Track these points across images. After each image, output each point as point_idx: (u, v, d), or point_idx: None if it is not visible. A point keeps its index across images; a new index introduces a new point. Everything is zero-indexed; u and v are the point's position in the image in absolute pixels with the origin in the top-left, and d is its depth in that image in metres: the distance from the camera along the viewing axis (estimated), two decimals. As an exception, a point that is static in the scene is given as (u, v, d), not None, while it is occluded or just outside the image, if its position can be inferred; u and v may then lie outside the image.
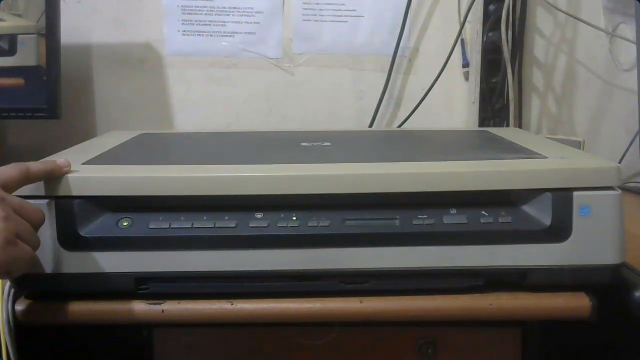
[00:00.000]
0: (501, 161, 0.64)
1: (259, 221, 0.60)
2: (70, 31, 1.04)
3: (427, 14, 1.13)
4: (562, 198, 0.60)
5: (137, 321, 0.61)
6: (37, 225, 0.55)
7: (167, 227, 0.59)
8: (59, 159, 0.60)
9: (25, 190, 0.56)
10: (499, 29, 1.04)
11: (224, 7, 1.10)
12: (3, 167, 0.55)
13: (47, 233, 0.58)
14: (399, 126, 1.13)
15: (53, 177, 0.58)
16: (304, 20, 1.11)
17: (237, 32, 1.11)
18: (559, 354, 0.78)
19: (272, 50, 1.12)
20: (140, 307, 0.60)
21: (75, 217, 0.59)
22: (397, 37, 1.11)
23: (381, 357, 0.73)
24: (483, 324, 0.70)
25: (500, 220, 0.60)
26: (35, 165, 0.57)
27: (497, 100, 1.07)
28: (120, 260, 0.59)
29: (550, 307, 0.61)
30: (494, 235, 0.60)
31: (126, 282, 0.60)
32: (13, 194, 0.54)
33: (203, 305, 0.61)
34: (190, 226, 0.59)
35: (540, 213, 0.60)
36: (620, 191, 0.60)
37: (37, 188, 0.58)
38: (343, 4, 1.11)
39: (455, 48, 1.10)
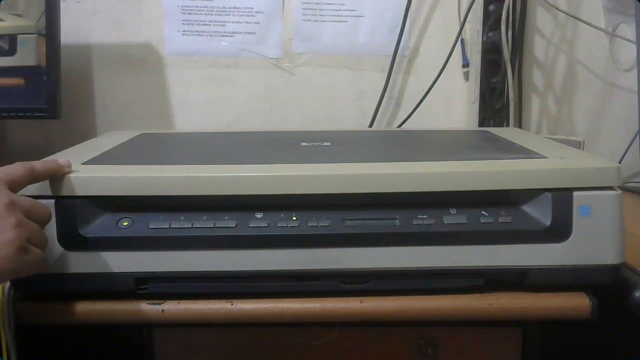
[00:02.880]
0: (501, 161, 0.64)
1: (259, 221, 0.60)
2: (70, 31, 1.04)
3: (427, 14, 1.13)
4: (562, 198, 0.60)
5: (137, 321, 0.61)
6: (45, 223, 0.55)
7: (167, 227, 0.59)
8: (60, 158, 0.60)
9: (25, 190, 0.56)
10: (499, 29, 1.04)
11: (224, 7, 1.10)
12: (9, 167, 0.54)
13: (48, 233, 0.58)
14: (399, 126, 1.13)
15: (56, 177, 0.58)
16: (304, 20, 1.11)
17: (237, 32, 1.11)
18: (559, 354, 0.78)
19: (272, 50, 1.12)
20: (140, 307, 0.60)
21: (75, 217, 0.59)
22: (397, 37, 1.11)
23: (381, 357, 0.73)
24: (483, 324, 0.70)
25: (500, 220, 0.60)
26: (39, 164, 0.57)
27: (497, 100, 1.07)
28: (120, 260, 0.59)
29: (550, 307, 0.61)
30: (494, 235, 0.60)
31: (126, 282, 0.60)
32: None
33: (203, 305, 0.61)
34: (190, 226, 0.59)
35: (540, 213, 0.60)
36: (620, 191, 0.60)
37: (37, 188, 0.58)
38: (343, 4, 1.11)
39: (455, 48, 1.10)
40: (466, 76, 1.13)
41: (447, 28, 1.12)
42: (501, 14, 1.03)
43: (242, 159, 0.70)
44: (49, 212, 0.56)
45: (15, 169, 0.55)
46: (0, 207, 0.50)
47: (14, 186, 0.53)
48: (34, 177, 0.56)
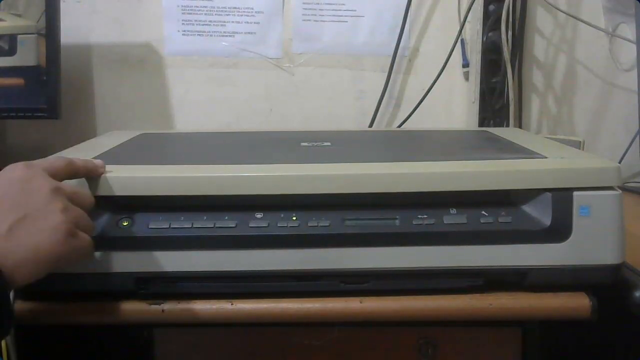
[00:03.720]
0: (501, 161, 0.64)
1: (259, 221, 0.60)
2: (70, 31, 1.04)
3: (427, 14, 1.13)
4: (562, 198, 0.60)
5: (137, 321, 0.61)
6: (89, 209, 0.55)
7: (167, 227, 0.59)
8: (95, 159, 0.60)
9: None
10: (499, 29, 1.04)
11: (224, 7, 1.10)
12: (49, 158, 0.55)
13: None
14: (399, 126, 1.13)
15: (92, 176, 0.58)
16: (304, 20, 1.11)
17: (237, 32, 1.11)
18: (559, 354, 0.78)
19: (272, 50, 1.12)
20: (141, 307, 0.60)
21: (75, 217, 0.59)
22: (397, 37, 1.11)
23: (381, 357, 0.73)
24: (483, 324, 0.70)
25: (500, 220, 0.60)
26: (78, 160, 0.57)
27: (497, 100, 1.07)
28: (120, 260, 0.59)
29: (550, 307, 0.61)
30: (494, 235, 0.60)
31: (127, 282, 0.60)
32: None
33: (203, 305, 0.60)
34: (190, 226, 0.59)
35: (540, 213, 0.60)
36: (620, 191, 0.60)
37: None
38: (343, 4, 1.11)
39: (455, 48, 1.10)
40: (466, 76, 1.13)
41: (447, 28, 1.12)
42: (501, 14, 1.03)
43: (242, 159, 0.70)
44: (92, 197, 0.56)
45: (57, 160, 0.55)
46: (45, 192, 0.50)
47: (55, 176, 0.53)
48: (73, 171, 0.56)
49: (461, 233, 0.60)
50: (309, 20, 1.11)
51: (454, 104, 1.15)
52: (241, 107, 1.13)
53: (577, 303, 0.61)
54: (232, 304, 0.60)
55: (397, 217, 0.60)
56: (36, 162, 0.53)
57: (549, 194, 0.60)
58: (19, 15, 0.94)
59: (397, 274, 0.61)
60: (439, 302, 0.61)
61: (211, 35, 1.11)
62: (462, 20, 1.09)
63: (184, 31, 1.10)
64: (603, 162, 0.62)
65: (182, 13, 1.10)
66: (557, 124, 1.15)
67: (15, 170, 0.51)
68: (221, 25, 1.11)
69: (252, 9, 1.10)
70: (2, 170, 0.52)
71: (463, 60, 1.12)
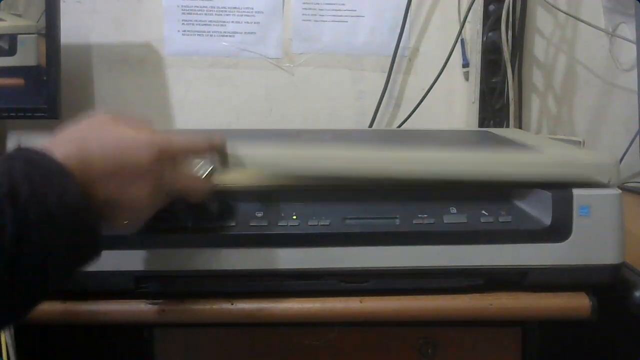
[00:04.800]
0: (501, 161, 0.64)
1: (259, 220, 0.60)
2: (70, 31, 1.04)
3: (427, 14, 1.13)
4: (562, 197, 0.60)
5: (137, 321, 0.61)
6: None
7: (167, 225, 0.59)
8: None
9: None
10: (499, 29, 1.04)
11: (224, 7, 1.10)
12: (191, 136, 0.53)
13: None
14: (399, 126, 1.13)
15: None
16: (304, 20, 1.11)
17: (237, 32, 1.11)
18: (559, 354, 0.78)
19: (272, 50, 1.12)
20: (140, 307, 0.60)
21: (75, 216, 0.58)
22: (397, 37, 1.11)
23: (381, 357, 0.73)
24: (483, 324, 0.70)
25: (500, 219, 0.60)
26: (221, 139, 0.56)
27: (497, 100, 1.07)
28: (120, 259, 0.59)
29: (550, 307, 0.61)
30: (494, 235, 0.60)
31: (126, 281, 0.59)
32: None
33: (203, 305, 0.60)
34: (190, 225, 0.59)
35: (540, 213, 0.60)
36: (620, 191, 0.60)
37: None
38: (343, 4, 1.11)
39: (455, 48, 1.10)
40: (466, 76, 1.13)
41: (447, 28, 1.12)
42: (501, 14, 1.03)
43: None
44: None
45: (198, 138, 0.53)
46: (146, 191, 0.49)
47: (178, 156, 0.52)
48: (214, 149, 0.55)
49: (461, 232, 0.60)
50: (309, 20, 1.11)
51: (454, 104, 1.14)
52: (241, 107, 1.13)
53: (577, 303, 0.61)
54: (232, 304, 0.60)
55: (397, 216, 0.60)
56: (171, 147, 0.51)
57: (549, 194, 0.60)
58: (19, 15, 0.94)
59: (397, 274, 0.61)
60: (439, 302, 0.61)
61: (211, 35, 1.11)
62: (462, 20, 1.09)
63: (184, 31, 1.10)
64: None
65: (182, 13, 1.10)
66: (557, 124, 1.15)
67: (142, 154, 0.49)
68: (221, 25, 1.11)
69: (252, 9, 1.10)
70: (128, 136, 0.51)
71: (463, 60, 1.12)
